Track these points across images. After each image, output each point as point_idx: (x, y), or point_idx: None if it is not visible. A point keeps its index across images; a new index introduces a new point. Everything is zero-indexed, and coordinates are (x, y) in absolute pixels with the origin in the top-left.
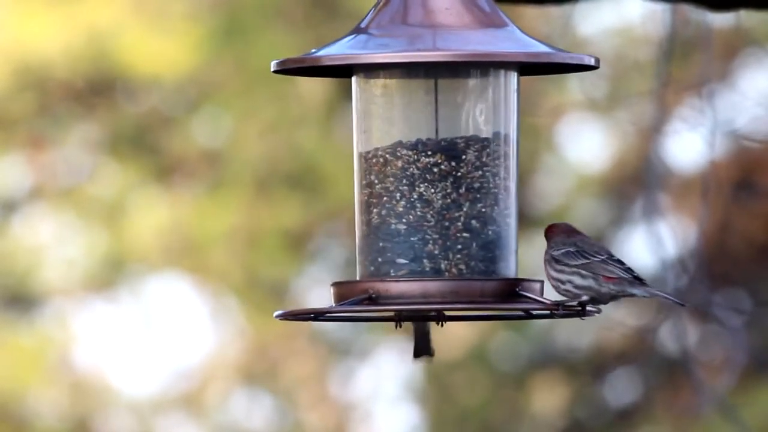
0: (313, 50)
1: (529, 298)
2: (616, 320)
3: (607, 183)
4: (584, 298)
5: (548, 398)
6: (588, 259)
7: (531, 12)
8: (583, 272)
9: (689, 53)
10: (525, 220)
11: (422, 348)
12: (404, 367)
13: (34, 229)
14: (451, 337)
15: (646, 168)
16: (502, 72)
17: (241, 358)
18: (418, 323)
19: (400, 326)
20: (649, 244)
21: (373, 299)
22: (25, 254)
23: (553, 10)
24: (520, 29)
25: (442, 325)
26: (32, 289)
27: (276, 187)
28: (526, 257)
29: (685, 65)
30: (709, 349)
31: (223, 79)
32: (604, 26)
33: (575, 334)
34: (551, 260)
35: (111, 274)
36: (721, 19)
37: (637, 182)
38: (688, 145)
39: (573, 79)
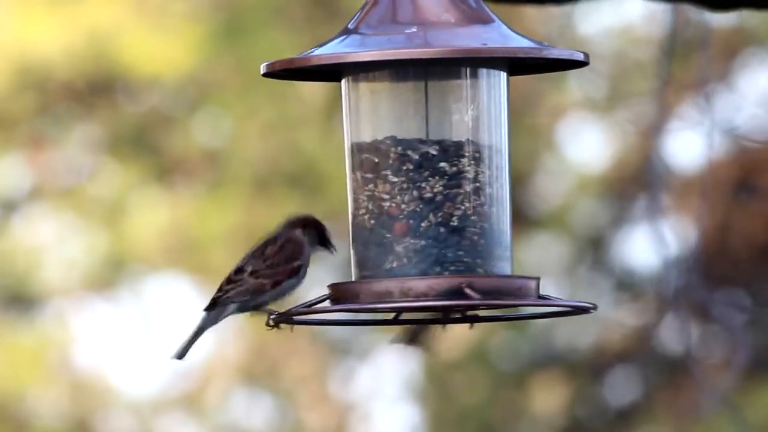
0: (304, 53)
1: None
2: (616, 320)
3: (607, 183)
4: None
5: (548, 398)
6: None
7: (531, 12)
8: None
9: (689, 53)
10: (525, 220)
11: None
12: (404, 367)
13: (34, 229)
14: (451, 336)
15: (649, 168)
16: (493, 69)
17: (241, 358)
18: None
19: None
20: (652, 244)
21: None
22: (25, 254)
23: (553, 10)
24: (507, 25)
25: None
26: (32, 289)
27: (276, 187)
28: (524, 257)
29: (685, 65)
30: (709, 348)
31: (223, 79)
32: (604, 26)
33: (575, 334)
34: None
35: (111, 274)
36: (721, 19)
37: (637, 182)
38: (688, 145)
39: (573, 79)
